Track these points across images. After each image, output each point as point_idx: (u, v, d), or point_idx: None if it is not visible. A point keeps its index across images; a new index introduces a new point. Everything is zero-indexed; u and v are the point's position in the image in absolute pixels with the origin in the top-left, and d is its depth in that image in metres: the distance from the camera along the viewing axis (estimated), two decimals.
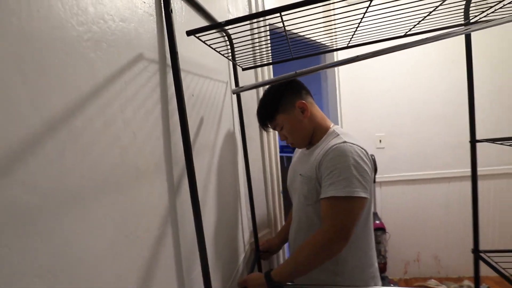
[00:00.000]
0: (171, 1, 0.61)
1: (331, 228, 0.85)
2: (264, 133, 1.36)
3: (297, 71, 0.79)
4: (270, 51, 1.10)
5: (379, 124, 2.33)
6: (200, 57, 0.84)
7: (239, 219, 1.16)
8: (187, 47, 0.75)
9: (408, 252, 2.41)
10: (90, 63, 0.42)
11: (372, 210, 1.02)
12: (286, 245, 1.38)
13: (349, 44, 0.90)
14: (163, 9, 0.60)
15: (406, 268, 2.43)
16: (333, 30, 0.91)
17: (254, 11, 1.28)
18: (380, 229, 2.15)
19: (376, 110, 2.32)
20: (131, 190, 0.49)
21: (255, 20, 1.21)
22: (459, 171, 2.22)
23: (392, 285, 2.24)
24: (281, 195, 1.51)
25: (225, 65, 1.08)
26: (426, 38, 0.72)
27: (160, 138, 0.59)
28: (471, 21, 0.85)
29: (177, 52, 0.60)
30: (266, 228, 1.41)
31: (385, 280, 2.13)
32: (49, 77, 0.35)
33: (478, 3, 0.81)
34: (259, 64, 1.10)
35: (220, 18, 0.96)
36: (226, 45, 0.95)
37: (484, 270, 1.04)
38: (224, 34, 0.96)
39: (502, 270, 0.89)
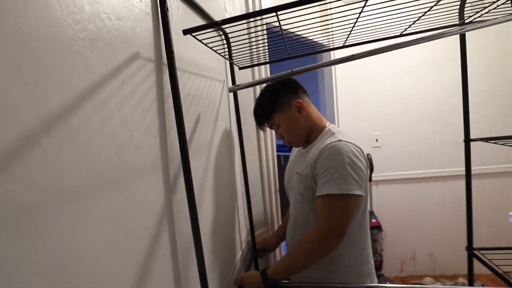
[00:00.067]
0: (167, 0, 0.61)
1: (326, 225, 0.86)
2: (261, 132, 1.36)
3: (293, 70, 0.80)
4: (267, 50, 1.10)
5: (375, 123, 2.34)
6: (197, 56, 0.84)
7: (236, 217, 1.17)
8: (184, 46, 0.75)
9: (404, 250, 2.43)
10: (86, 61, 0.42)
11: (368, 208, 1.03)
12: (283, 244, 1.39)
13: (345, 44, 0.90)
14: (159, 8, 0.60)
15: (402, 266, 2.45)
16: (329, 30, 0.91)
17: (251, 10, 1.28)
18: (376, 228, 2.17)
19: (373, 109, 2.33)
20: (128, 189, 0.50)
21: (252, 19, 1.21)
22: (454, 170, 2.24)
23: (388, 283, 2.25)
24: (278, 193, 1.51)
25: (221, 64, 1.08)
26: (421, 38, 0.73)
27: (157, 137, 0.60)
28: (466, 21, 0.85)
29: (173, 51, 0.60)
30: (263, 227, 1.41)
31: (381, 278, 2.15)
32: (45, 76, 0.35)
33: (473, 4, 0.81)
34: (256, 63, 1.10)
35: (217, 17, 0.96)
36: (223, 44, 0.95)
37: (479, 267, 1.05)
38: (221, 33, 0.96)
39: (495, 267, 0.91)
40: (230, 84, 1.12)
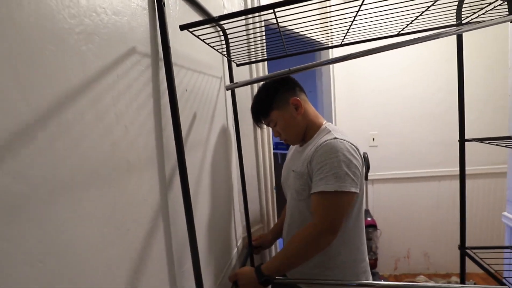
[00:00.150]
0: None
1: (320, 222, 0.87)
2: (258, 130, 1.36)
3: (290, 68, 0.80)
4: (265, 48, 1.10)
5: (372, 123, 2.35)
6: (194, 52, 0.84)
7: (232, 214, 1.17)
8: (181, 41, 0.75)
9: (399, 249, 2.46)
10: (82, 56, 0.42)
11: (364, 207, 1.03)
12: (279, 241, 1.40)
13: (343, 42, 0.90)
14: (155, 3, 0.60)
15: (396, 264, 2.47)
16: (327, 28, 0.91)
17: (249, 6, 1.27)
18: (372, 226, 2.18)
19: (370, 109, 2.34)
20: (122, 183, 0.50)
21: (250, 16, 1.21)
22: (450, 170, 2.25)
23: (382, 281, 2.28)
24: (274, 191, 1.52)
25: (219, 60, 1.08)
26: (418, 38, 0.73)
27: (152, 132, 0.60)
28: (463, 21, 0.86)
29: (169, 46, 0.60)
30: (258, 224, 1.42)
31: (375, 276, 2.17)
32: (39, 70, 0.35)
33: (471, 4, 0.82)
34: (253, 60, 1.10)
35: (215, 13, 0.96)
36: (221, 41, 0.95)
37: (472, 266, 1.07)
38: (219, 29, 0.96)
39: (487, 266, 0.92)
40: (227, 81, 1.12)
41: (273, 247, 1.41)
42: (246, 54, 1.04)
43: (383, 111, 2.33)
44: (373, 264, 2.19)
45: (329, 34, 0.95)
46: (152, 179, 0.59)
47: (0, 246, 0.30)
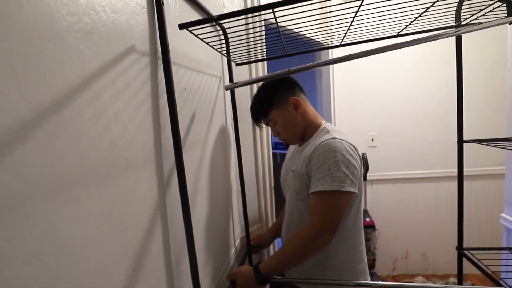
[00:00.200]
0: None
1: (318, 221, 0.87)
2: (257, 129, 1.37)
3: (290, 69, 0.80)
4: (264, 47, 1.10)
5: (372, 123, 2.35)
6: (194, 51, 0.84)
7: (230, 213, 1.17)
8: (180, 40, 0.75)
9: (397, 250, 2.46)
10: (80, 54, 0.42)
11: (363, 207, 1.04)
12: (277, 240, 1.40)
13: (342, 43, 0.90)
14: (154, 1, 0.60)
15: (394, 265, 2.48)
16: (327, 28, 0.91)
17: (249, 6, 1.27)
18: (370, 226, 2.19)
19: (370, 109, 2.34)
20: (120, 182, 0.50)
21: (249, 15, 1.21)
22: (449, 171, 2.26)
23: (380, 281, 2.28)
24: (273, 191, 1.52)
25: (218, 59, 1.08)
26: (417, 39, 0.73)
27: (151, 131, 0.60)
28: (462, 23, 0.86)
29: (167, 45, 0.60)
30: (257, 223, 1.42)
31: (373, 277, 2.17)
32: (38, 68, 0.35)
33: (471, 6, 0.82)
34: (253, 59, 1.10)
35: (215, 13, 0.96)
36: (220, 40, 0.95)
37: (470, 267, 1.07)
38: (219, 29, 0.96)
39: (484, 267, 0.92)
40: (227, 80, 1.12)
41: (271, 246, 1.41)
42: (246, 53, 1.04)
43: (382, 112, 2.33)
44: (371, 265, 2.19)
45: (329, 34, 0.96)
46: (150, 178, 0.59)
47: None
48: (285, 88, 1.02)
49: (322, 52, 2.13)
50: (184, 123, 0.76)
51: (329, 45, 0.97)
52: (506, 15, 0.73)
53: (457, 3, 0.83)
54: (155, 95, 0.61)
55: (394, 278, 2.44)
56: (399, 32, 0.87)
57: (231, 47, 0.97)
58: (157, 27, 0.61)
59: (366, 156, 2.19)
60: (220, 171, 1.06)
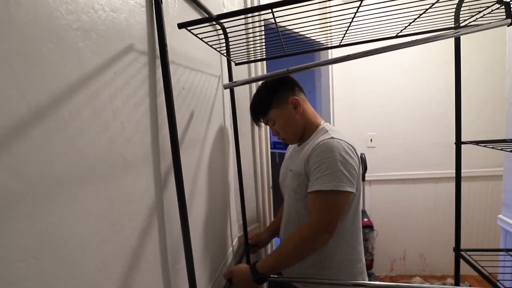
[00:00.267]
0: None
1: (316, 221, 0.87)
2: (256, 129, 1.37)
3: (288, 68, 0.80)
4: (264, 47, 1.10)
5: (370, 124, 2.36)
6: (193, 50, 0.84)
7: (228, 213, 1.17)
8: (179, 39, 0.75)
9: (395, 250, 2.47)
10: (79, 52, 0.42)
11: (361, 207, 1.04)
12: (275, 240, 1.40)
13: (341, 43, 0.90)
14: (153, 0, 0.60)
15: (392, 265, 2.48)
16: (326, 29, 0.91)
17: (249, 5, 1.27)
18: (368, 227, 2.19)
19: (368, 110, 2.35)
20: (118, 180, 0.50)
21: (249, 15, 1.21)
22: (447, 172, 2.26)
23: (378, 281, 2.28)
24: (271, 190, 1.52)
25: (217, 59, 1.08)
26: (416, 40, 0.74)
27: (149, 130, 0.60)
28: (461, 24, 0.86)
29: (166, 44, 0.60)
30: (255, 223, 1.42)
31: (371, 277, 2.18)
32: (36, 65, 0.35)
33: (470, 8, 0.82)
34: (252, 59, 1.10)
35: (215, 12, 0.96)
36: (219, 39, 0.95)
37: (467, 268, 1.07)
38: (219, 28, 0.96)
39: (481, 268, 0.92)
40: (226, 80, 1.12)
41: (269, 246, 1.41)
42: (245, 53, 1.04)
43: (381, 112, 2.33)
44: (369, 265, 2.20)
45: (328, 35, 0.96)
46: (148, 177, 0.59)
47: None
48: (285, 87, 1.03)
49: (322, 52, 2.13)
50: (183, 122, 0.76)
51: (328, 46, 0.97)
52: (505, 17, 0.74)
53: (456, 5, 0.83)
54: (153, 94, 0.61)
55: (391, 279, 2.44)
56: (398, 33, 0.87)
57: (230, 47, 0.97)
58: (155, 26, 0.61)
59: (364, 156, 2.19)
60: (218, 170, 1.06)
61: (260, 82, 1.21)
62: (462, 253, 1.04)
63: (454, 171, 1.03)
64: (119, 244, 0.50)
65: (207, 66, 0.97)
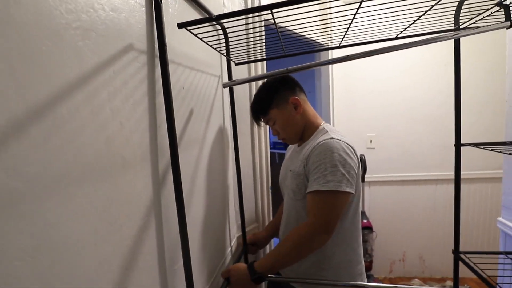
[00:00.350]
0: None
1: (315, 221, 0.87)
2: (256, 129, 1.37)
3: (288, 68, 0.80)
4: (264, 47, 1.11)
5: (370, 125, 2.36)
6: (193, 50, 0.84)
7: (227, 213, 1.17)
8: (179, 39, 0.75)
9: (394, 252, 2.46)
10: (78, 51, 0.42)
11: (360, 208, 1.04)
12: (274, 240, 1.40)
13: (341, 44, 0.91)
14: (153, 0, 0.60)
15: (391, 267, 2.48)
16: (326, 30, 0.92)
17: (250, 6, 1.28)
18: (367, 228, 2.19)
19: (368, 111, 2.35)
20: (116, 179, 0.50)
21: (249, 16, 1.21)
22: (447, 174, 2.26)
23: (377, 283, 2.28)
24: (270, 190, 1.52)
25: (217, 59, 1.08)
26: (416, 41, 0.74)
27: (147, 129, 0.60)
28: (461, 26, 0.86)
29: (165, 44, 0.60)
30: (253, 223, 1.42)
31: (370, 279, 2.18)
32: (35, 64, 0.35)
33: (471, 10, 0.82)
34: (252, 59, 1.10)
35: (215, 12, 0.96)
36: (219, 39, 0.95)
37: (467, 271, 1.07)
38: (219, 28, 0.96)
39: (480, 271, 0.92)
40: (225, 80, 1.12)
41: (267, 246, 1.41)
42: (245, 53, 1.05)
43: (381, 113, 2.33)
44: (368, 267, 2.19)
45: (328, 36, 0.96)
46: (146, 176, 0.59)
47: None
48: (286, 87, 1.03)
49: (322, 52, 2.14)
50: (182, 122, 0.76)
51: (328, 46, 0.97)
52: (504, 19, 0.74)
53: (455, 7, 0.83)
54: (152, 94, 0.62)
55: (391, 281, 2.44)
56: (398, 35, 0.87)
57: (230, 47, 0.97)
58: (155, 25, 0.61)
59: (364, 157, 2.19)
60: (217, 170, 1.06)
61: (260, 82, 1.21)
62: (461, 255, 1.04)
63: (453, 172, 1.03)
64: (116, 243, 0.50)
65: (207, 66, 0.97)
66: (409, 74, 2.26)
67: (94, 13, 0.45)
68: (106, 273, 0.47)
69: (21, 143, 0.33)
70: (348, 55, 0.78)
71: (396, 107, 2.30)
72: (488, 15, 0.76)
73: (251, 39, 1.14)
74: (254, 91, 1.30)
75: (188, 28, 0.66)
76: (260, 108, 1.05)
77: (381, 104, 2.32)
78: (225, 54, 0.98)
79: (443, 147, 2.25)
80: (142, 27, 0.58)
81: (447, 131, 2.21)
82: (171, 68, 0.64)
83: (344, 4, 1.89)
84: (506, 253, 1.11)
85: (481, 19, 0.79)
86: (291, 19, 0.66)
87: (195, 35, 0.72)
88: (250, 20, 1.22)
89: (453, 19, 0.86)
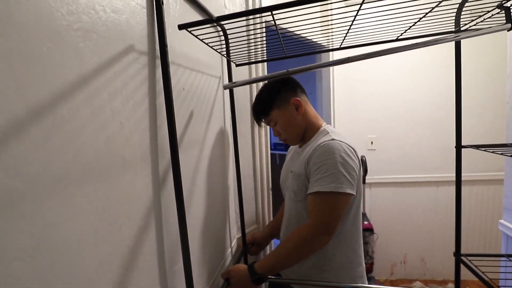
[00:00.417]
0: None
1: (316, 222, 0.87)
2: (256, 130, 1.37)
3: (289, 69, 0.80)
4: (265, 49, 1.11)
5: (371, 126, 2.36)
6: (194, 51, 0.85)
7: (227, 214, 1.17)
8: (180, 40, 0.75)
9: (395, 254, 2.45)
10: (79, 52, 0.42)
11: (361, 209, 1.04)
12: (274, 241, 1.40)
13: (342, 46, 0.91)
14: (154, 1, 0.60)
15: (392, 269, 2.47)
16: (327, 31, 0.92)
17: (250, 7, 1.28)
18: (368, 230, 2.18)
19: (369, 112, 2.34)
20: (116, 180, 0.50)
21: (251, 17, 1.21)
22: (448, 176, 2.25)
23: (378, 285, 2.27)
24: (271, 192, 1.52)
25: (218, 60, 1.08)
26: (416, 43, 0.74)
27: (148, 130, 0.60)
28: (462, 28, 0.86)
29: (166, 45, 0.60)
30: (253, 224, 1.42)
31: (371, 281, 2.16)
32: (36, 65, 0.36)
33: (472, 11, 0.82)
34: (253, 61, 1.11)
35: (216, 14, 0.97)
36: (220, 41, 0.96)
37: (469, 273, 1.06)
38: (219, 29, 0.96)
39: (481, 274, 0.92)
40: (226, 81, 1.12)
41: (268, 247, 1.41)
42: (246, 54, 1.05)
43: (382, 115, 2.33)
44: (369, 269, 2.18)
45: (329, 37, 0.96)
46: (146, 177, 0.59)
47: None
48: (287, 88, 1.03)
49: (323, 54, 2.14)
50: (182, 123, 0.76)
51: (329, 48, 0.97)
52: (505, 21, 0.74)
53: (456, 9, 0.83)
54: (153, 94, 0.62)
55: (392, 283, 2.43)
56: (398, 36, 0.87)
57: (231, 48, 0.98)
58: (156, 27, 0.61)
59: (365, 159, 2.19)
60: (217, 171, 1.06)
61: (261, 83, 1.21)
62: (463, 258, 1.03)
63: (454, 174, 1.02)
64: (116, 244, 0.50)
65: (208, 67, 0.97)
66: (409, 76, 2.26)
67: (95, 15, 0.46)
68: (106, 273, 0.47)
69: (21, 143, 0.33)
70: (349, 57, 0.78)
71: (397, 109, 2.30)
72: (489, 17, 0.76)
73: (252, 40, 1.14)
74: (254, 93, 1.30)
75: (189, 29, 0.66)
76: (262, 109, 1.06)
77: (381, 106, 2.32)
78: (225, 55, 0.98)
79: (444, 149, 2.24)
80: (143, 28, 0.59)
81: (447, 133, 2.20)
82: (172, 69, 0.64)
83: (345, 6, 1.90)
84: (508, 255, 1.10)
85: (482, 21, 0.79)
86: (292, 20, 0.66)
87: (196, 36, 0.72)
88: (251, 22, 1.22)
89: (454, 21, 0.86)
